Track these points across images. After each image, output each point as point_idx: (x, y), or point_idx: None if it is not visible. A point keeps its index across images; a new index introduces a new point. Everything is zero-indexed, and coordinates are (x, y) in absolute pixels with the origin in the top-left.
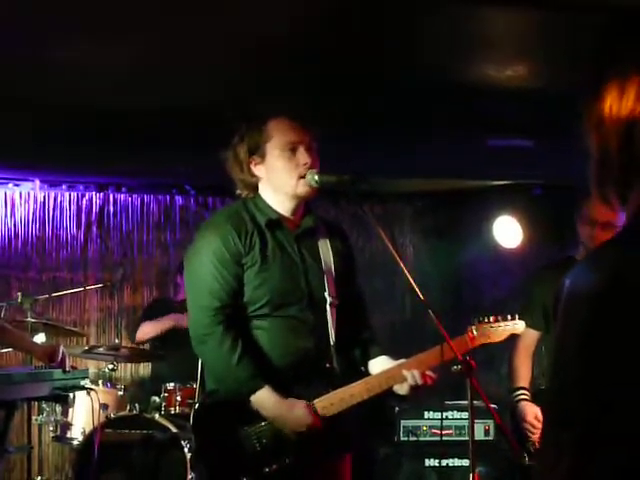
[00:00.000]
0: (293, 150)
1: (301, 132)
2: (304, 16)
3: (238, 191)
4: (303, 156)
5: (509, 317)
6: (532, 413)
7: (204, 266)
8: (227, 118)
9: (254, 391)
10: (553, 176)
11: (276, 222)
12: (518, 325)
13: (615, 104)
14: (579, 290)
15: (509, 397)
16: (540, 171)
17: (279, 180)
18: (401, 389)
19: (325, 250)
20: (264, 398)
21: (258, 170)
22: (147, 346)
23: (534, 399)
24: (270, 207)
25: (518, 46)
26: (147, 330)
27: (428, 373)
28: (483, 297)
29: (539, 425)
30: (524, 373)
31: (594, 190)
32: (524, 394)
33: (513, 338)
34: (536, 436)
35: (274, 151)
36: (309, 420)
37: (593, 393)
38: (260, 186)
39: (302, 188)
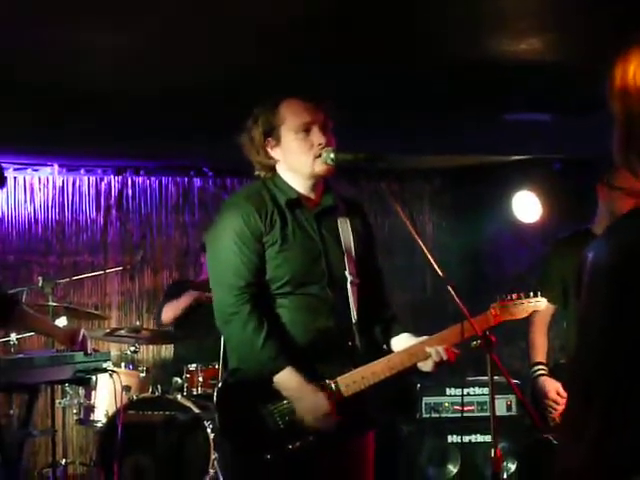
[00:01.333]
0: (307, 131)
1: (314, 112)
2: None
3: (257, 172)
4: (317, 136)
5: (531, 294)
6: (553, 388)
7: (226, 245)
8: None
9: (277, 371)
10: (572, 150)
11: (296, 201)
12: (540, 302)
13: (639, 71)
14: (601, 263)
15: (529, 372)
16: (559, 146)
17: (296, 161)
18: (425, 366)
19: (345, 228)
20: (286, 379)
21: (274, 152)
22: (169, 327)
23: (552, 373)
24: (289, 186)
25: (532, 19)
26: (169, 312)
27: (451, 349)
28: (503, 273)
29: (561, 400)
30: (541, 348)
31: (618, 158)
32: (542, 369)
33: None
34: (558, 412)
35: (288, 133)
36: (327, 409)
37: (616, 367)
38: (278, 166)
39: (319, 167)
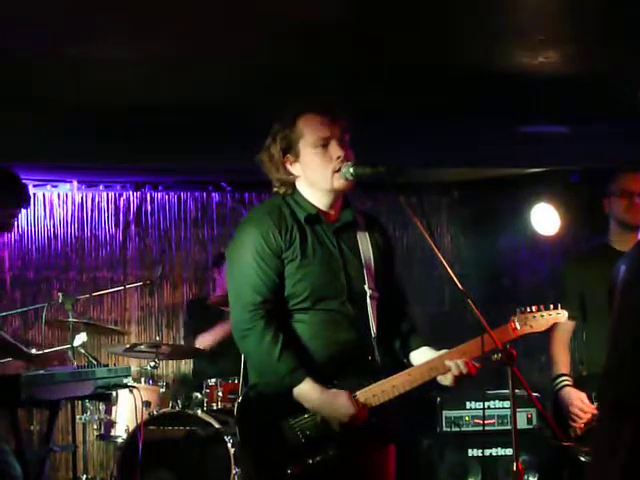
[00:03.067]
0: (325, 145)
1: (332, 126)
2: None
3: (275, 189)
4: (335, 150)
5: (551, 306)
6: (578, 398)
7: (245, 261)
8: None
9: (296, 384)
10: (590, 162)
11: (315, 217)
12: (560, 315)
13: None
14: (636, 272)
15: (550, 385)
16: (576, 158)
17: (315, 176)
18: (445, 380)
19: (364, 243)
20: (306, 390)
21: (294, 168)
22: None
23: (578, 386)
24: (308, 202)
25: (550, 32)
26: (206, 342)
27: (471, 363)
28: (522, 285)
29: (587, 409)
30: (564, 361)
31: None
32: (567, 379)
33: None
34: (582, 421)
35: (307, 148)
36: (353, 410)
37: None
38: (297, 183)
39: (338, 182)
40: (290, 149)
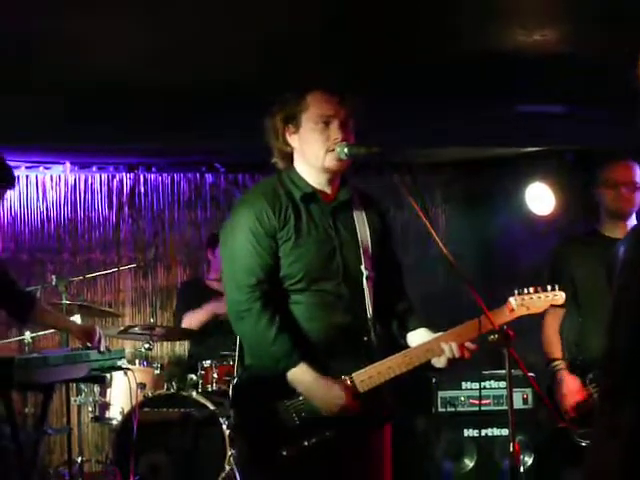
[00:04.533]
0: (327, 123)
1: (337, 106)
2: None
3: (273, 159)
4: (335, 131)
5: (549, 287)
6: (571, 381)
7: (239, 243)
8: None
9: (291, 367)
10: (585, 142)
11: (311, 195)
12: (558, 296)
13: None
14: (636, 256)
15: (546, 368)
16: (571, 137)
17: (309, 151)
18: (439, 362)
19: (361, 223)
20: (300, 375)
21: (292, 139)
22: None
23: (572, 370)
24: (305, 181)
25: (546, 10)
26: (191, 321)
27: (467, 345)
28: (516, 265)
29: (577, 392)
30: (557, 345)
31: None
32: (561, 363)
33: None
34: (572, 403)
35: (308, 122)
36: (344, 400)
37: None
38: (295, 157)
39: (330, 162)
40: (293, 119)
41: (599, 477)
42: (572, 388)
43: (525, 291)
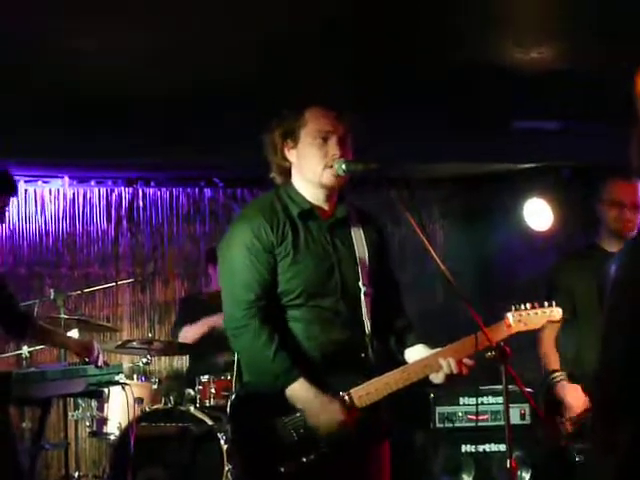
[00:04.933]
0: (325, 139)
1: (335, 122)
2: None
3: (272, 174)
4: (333, 147)
5: (546, 304)
6: (574, 390)
7: (237, 259)
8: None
9: (289, 384)
10: (582, 158)
11: (308, 212)
12: (555, 312)
13: None
14: (627, 273)
15: (544, 381)
16: (568, 153)
17: (306, 167)
18: (436, 378)
19: (358, 239)
20: (299, 391)
21: (290, 155)
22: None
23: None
24: (302, 197)
25: (543, 28)
26: (189, 335)
27: (465, 361)
28: (514, 281)
29: (582, 401)
30: (555, 358)
31: (638, 161)
32: (562, 375)
33: None
34: (576, 413)
35: (306, 138)
36: (341, 418)
37: None
38: (292, 173)
39: (327, 178)
40: (291, 134)
41: None
42: (577, 396)
43: (522, 307)
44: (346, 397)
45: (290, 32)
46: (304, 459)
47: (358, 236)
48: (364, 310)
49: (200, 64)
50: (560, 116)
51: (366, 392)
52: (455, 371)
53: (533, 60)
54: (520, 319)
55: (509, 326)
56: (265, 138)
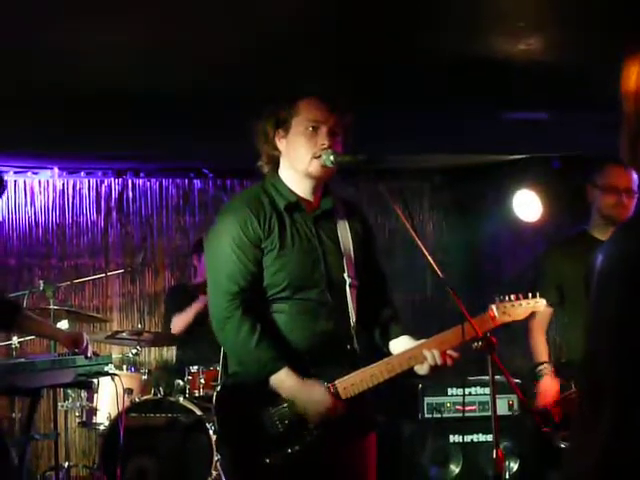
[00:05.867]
0: (315, 129)
1: (327, 114)
2: None
3: (259, 163)
4: (322, 137)
5: (530, 295)
6: (549, 386)
7: (223, 251)
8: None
9: (273, 372)
10: (571, 149)
11: (295, 205)
12: (539, 303)
13: None
14: (611, 267)
15: (532, 372)
16: (557, 144)
17: (294, 156)
18: (421, 369)
19: (344, 231)
20: (283, 379)
21: (281, 144)
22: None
23: (557, 372)
24: (289, 189)
25: (531, 18)
26: (179, 323)
27: (449, 352)
28: (503, 271)
29: (551, 396)
30: (543, 348)
31: (626, 156)
32: (547, 368)
33: None
34: (543, 404)
35: (298, 127)
36: (328, 402)
37: (626, 369)
38: (281, 162)
39: (314, 168)
40: (283, 123)
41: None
42: (546, 388)
43: (506, 299)
44: (331, 388)
45: (274, 24)
46: (289, 450)
47: (343, 228)
48: (349, 301)
49: (188, 59)
50: (549, 107)
51: (351, 383)
52: (439, 362)
53: (522, 51)
54: (505, 311)
55: (493, 317)
56: (256, 126)
